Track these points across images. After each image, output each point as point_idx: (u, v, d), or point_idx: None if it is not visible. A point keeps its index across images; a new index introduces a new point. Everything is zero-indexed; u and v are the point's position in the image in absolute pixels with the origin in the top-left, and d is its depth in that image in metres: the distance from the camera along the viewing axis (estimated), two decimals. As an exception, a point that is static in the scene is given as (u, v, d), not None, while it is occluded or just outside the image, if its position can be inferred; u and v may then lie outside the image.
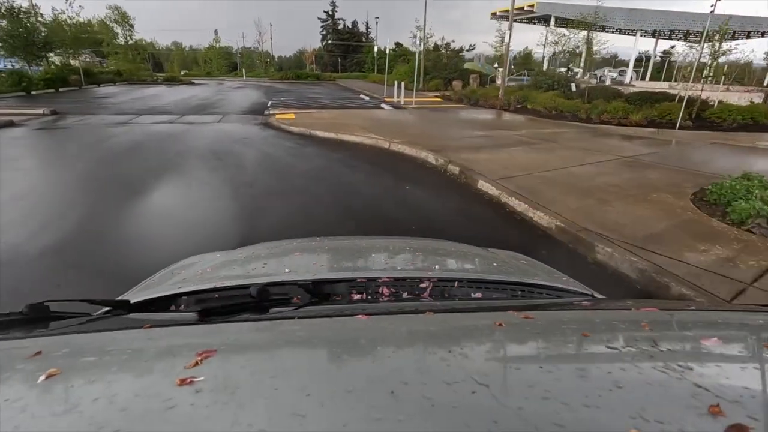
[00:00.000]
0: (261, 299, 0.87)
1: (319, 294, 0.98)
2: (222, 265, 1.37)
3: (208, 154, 7.41)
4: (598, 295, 1.17)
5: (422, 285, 1.05)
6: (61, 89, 20.21)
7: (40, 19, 21.51)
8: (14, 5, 19.70)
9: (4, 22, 19.40)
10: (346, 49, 57.45)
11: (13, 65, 20.89)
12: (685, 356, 0.51)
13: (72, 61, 25.07)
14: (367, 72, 52.19)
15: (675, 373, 0.45)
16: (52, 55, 22.95)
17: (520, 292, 1.08)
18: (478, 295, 1.04)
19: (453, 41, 28.17)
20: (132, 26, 31.76)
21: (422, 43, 25.76)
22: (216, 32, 54.52)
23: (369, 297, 1.00)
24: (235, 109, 14.93)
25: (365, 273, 1.10)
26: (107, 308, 0.98)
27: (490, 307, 0.86)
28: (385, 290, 1.03)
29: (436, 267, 1.25)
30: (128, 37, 32.07)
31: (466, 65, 28.31)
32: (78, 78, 23.07)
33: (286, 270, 1.16)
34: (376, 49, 29.71)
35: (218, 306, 0.86)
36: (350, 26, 62.51)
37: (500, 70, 26.54)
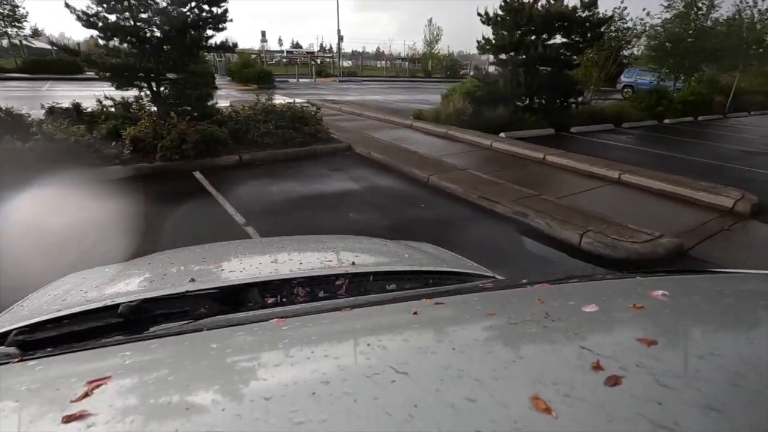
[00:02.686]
0: (161, 314, 0.83)
1: (229, 302, 0.94)
2: (113, 281, 1.22)
3: None
4: (499, 277, 1.24)
5: (338, 282, 1.05)
6: (699, 117, 13.58)
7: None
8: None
9: (669, 24, 14.20)
10: None
11: (656, 81, 16.08)
12: (572, 323, 0.54)
13: (721, 78, 17.74)
14: None
15: (564, 339, 0.50)
16: (706, 69, 16.40)
17: (431, 280, 1.11)
18: (393, 286, 1.06)
19: None
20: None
21: None
22: None
23: (284, 299, 0.97)
24: None
25: (278, 275, 1.07)
26: None
27: (405, 297, 0.84)
28: (301, 291, 1.01)
29: (351, 263, 1.21)
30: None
31: None
32: (722, 101, 15.73)
33: (190, 279, 1.03)
34: None
35: (110, 327, 0.83)
36: None
37: None
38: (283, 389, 0.41)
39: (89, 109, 6.73)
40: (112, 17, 5.72)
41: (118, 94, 6.43)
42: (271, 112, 7.01)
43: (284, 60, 36.28)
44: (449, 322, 0.61)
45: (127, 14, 5.71)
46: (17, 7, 20.60)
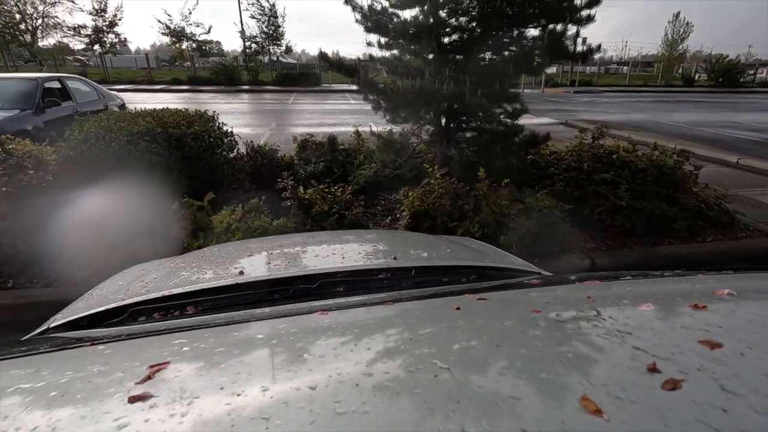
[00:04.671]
0: (214, 303, 0.89)
1: (275, 293, 0.97)
2: (169, 272, 1.28)
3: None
4: (545, 273, 1.19)
5: (380, 276, 1.06)
6: None
7: None
8: None
9: None
10: None
11: None
12: (625, 322, 0.52)
13: None
14: None
15: (616, 339, 0.47)
16: None
17: (474, 276, 1.09)
18: (435, 281, 1.05)
19: None
20: None
21: None
22: None
23: (327, 292, 0.98)
24: None
25: (322, 268, 1.09)
26: (41, 329, 0.97)
27: (447, 292, 0.84)
28: (344, 284, 1.01)
29: (392, 257, 1.21)
30: None
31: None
32: None
33: (239, 272, 1.10)
34: None
35: (170, 314, 0.89)
36: None
37: None
38: (326, 380, 0.42)
39: (344, 145, 5.06)
40: (407, 14, 3.59)
41: (351, 105, 4.44)
42: (612, 163, 3.99)
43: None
44: (492, 318, 0.60)
45: (425, 7, 3.52)
46: (279, 27, 23.26)
